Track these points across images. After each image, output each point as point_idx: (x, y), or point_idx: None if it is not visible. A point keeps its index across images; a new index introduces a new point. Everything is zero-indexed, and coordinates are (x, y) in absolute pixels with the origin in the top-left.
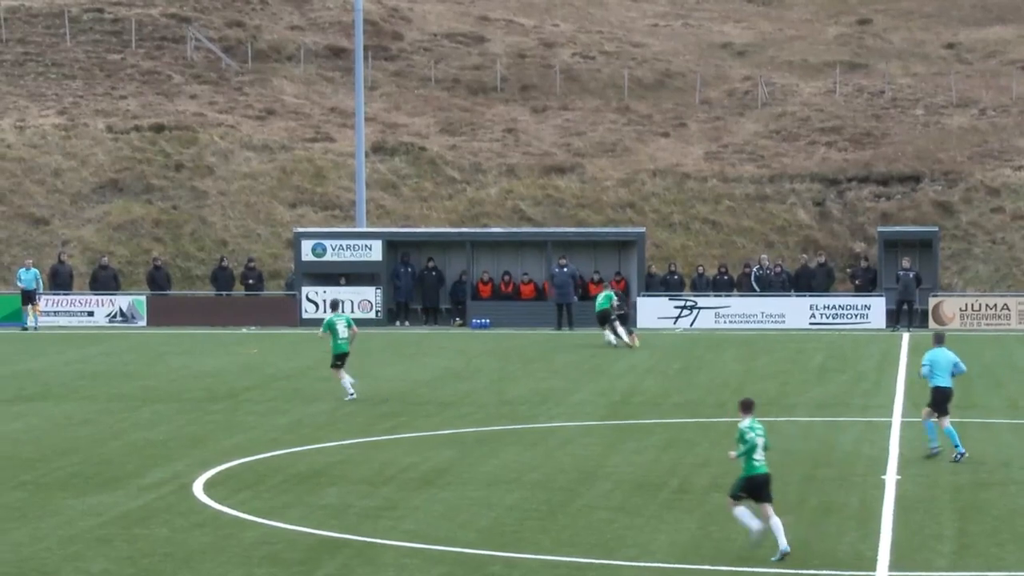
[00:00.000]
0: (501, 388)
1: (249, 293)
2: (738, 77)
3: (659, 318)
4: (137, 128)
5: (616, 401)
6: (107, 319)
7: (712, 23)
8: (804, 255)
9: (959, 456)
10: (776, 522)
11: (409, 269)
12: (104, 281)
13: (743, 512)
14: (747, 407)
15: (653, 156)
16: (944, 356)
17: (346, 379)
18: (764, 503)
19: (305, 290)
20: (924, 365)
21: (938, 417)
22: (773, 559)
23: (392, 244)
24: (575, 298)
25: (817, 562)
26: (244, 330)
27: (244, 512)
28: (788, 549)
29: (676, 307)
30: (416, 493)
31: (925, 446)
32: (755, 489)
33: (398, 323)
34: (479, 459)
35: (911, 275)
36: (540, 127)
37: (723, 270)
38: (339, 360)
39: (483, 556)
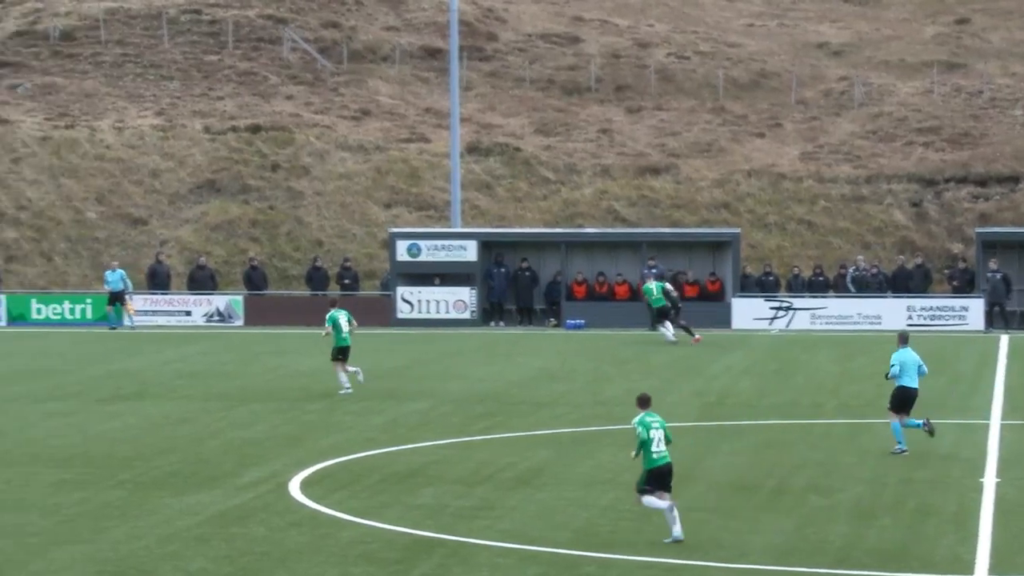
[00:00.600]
0: (596, 388)
1: (344, 293)
2: (834, 77)
3: (754, 319)
4: (234, 129)
5: (711, 402)
6: (204, 319)
7: (808, 23)
8: (901, 256)
9: (899, 451)
10: (674, 511)
11: (503, 269)
12: (201, 281)
13: (652, 500)
14: (643, 402)
15: (748, 156)
16: (912, 356)
17: (342, 375)
18: (664, 492)
19: (400, 290)
20: (893, 365)
21: (898, 415)
22: (666, 541)
23: (487, 244)
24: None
25: (915, 564)
26: None
27: (340, 511)
28: (681, 537)
29: (771, 308)
30: (511, 493)
31: (892, 448)
32: (658, 479)
33: (492, 323)
34: (574, 459)
35: (999, 276)
36: (635, 127)
37: (819, 271)
38: (341, 354)
39: (578, 556)
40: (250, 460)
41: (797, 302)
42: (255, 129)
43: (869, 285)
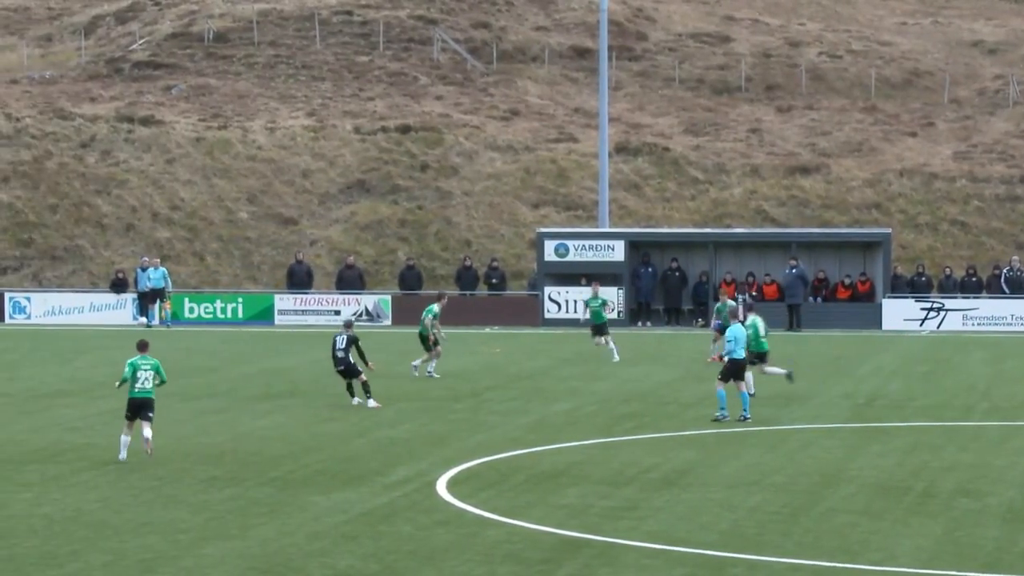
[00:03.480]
0: None
1: (492, 293)
2: (989, 76)
3: (904, 320)
4: (384, 129)
5: (860, 404)
6: (353, 318)
7: (962, 20)
8: None
9: (743, 417)
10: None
11: (650, 269)
12: (350, 280)
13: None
14: (140, 347)
15: (900, 156)
16: (742, 331)
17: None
18: (143, 421)
19: (548, 290)
20: (729, 341)
21: (735, 382)
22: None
23: (634, 244)
24: (803, 299)
25: None
26: (487, 330)
27: (486, 511)
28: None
29: (923, 309)
30: (657, 494)
31: (713, 413)
32: (135, 409)
33: (639, 323)
34: (721, 460)
35: None
36: (785, 127)
37: (971, 271)
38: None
39: (725, 558)
40: (397, 459)
41: (949, 303)
42: (405, 129)
43: (1023, 286)
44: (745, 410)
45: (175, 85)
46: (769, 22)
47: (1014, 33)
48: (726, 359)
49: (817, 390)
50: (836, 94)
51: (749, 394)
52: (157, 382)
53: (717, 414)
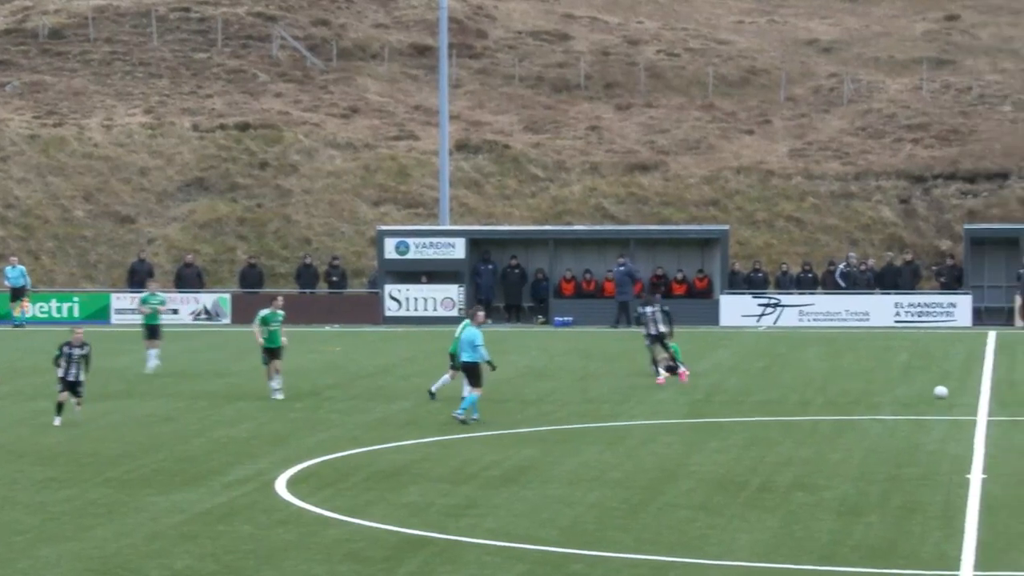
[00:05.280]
0: (583, 386)
1: (332, 291)
2: (824, 74)
3: (742, 316)
4: (222, 127)
5: (698, 399)
6: (191, 317)
7: (798, 19)
8: (889, 253)
9: (457, 416)
10: None
11: (491, 267)
12: (188, 279)
13: None
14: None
15: (737, 153)
16: (469, 333)
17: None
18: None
19: (388, 288)
20: (465, 341)
21: (468, 383)
22: None
23: (475, 242)
24: (631, 296)
25: (901, 561)
26: (327, 328)
27: (326, 510)
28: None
29: (760, 305)
30: (498, 491)
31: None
32: None
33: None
34: (561, 457)
35: None
36: (624, 124)
37: (807, 268)
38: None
39: (565, 554)
40: (236, 458)
41: (785, 299)
42: (244, 127)
43: (858, 282)
44: (461, 409)
45: (8, 82)
46: (608, 20)
47: (848, 32)
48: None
49: (655, 386)
50: (674, 92)
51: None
52: None
53: (456, 413)
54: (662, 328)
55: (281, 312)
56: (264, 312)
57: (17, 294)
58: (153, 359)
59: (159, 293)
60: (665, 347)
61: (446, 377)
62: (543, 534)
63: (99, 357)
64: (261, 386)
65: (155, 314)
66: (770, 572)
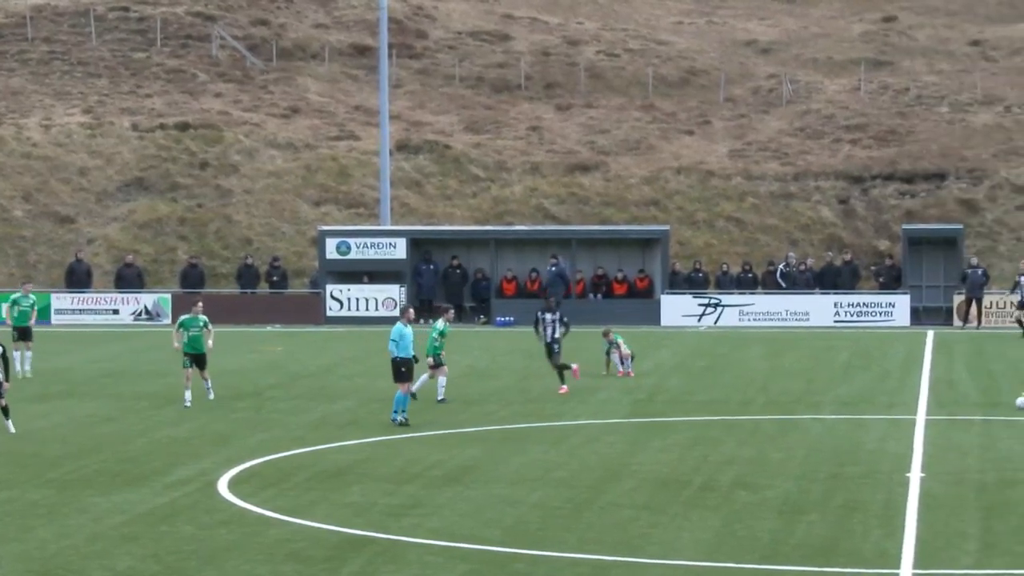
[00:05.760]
0: (526, 386)
1: (274, 291)
2: (763, 75)
3: (683, 316)
4: (162, 126)
5: (641, 399)
6: (132, 317)
7: (736, 20)
8: (829, 253)
9: (394, 419)
10: None
11: (432, 267)
12: (129, 279)
13: None
14: None
15: (677, 154)
16: (405, 332)
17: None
18: None
19: (329, 288)
20: (392, 340)
21: (403, 384)
22: None
23: (416, 242)
24: (562, 296)
25: (842, 560)
26: (269, 328)
27: (269, 510)
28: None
29: (700, 305)
30: (441, 491)
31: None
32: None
33: (422, 321)
34: (504, 457)
35: (979, 272)
36: (564, 125)
37: (747, 268)
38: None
39: (508, 554)
40: (178, 458)
41: (726, 299)
42: (183, 127)
43: (798, 282)
44: (395, 412)
45: None
46: (548, 20)
47: (787, 33)
48: (395, 358)
49: (598, 386)
50: (614, 92)
51: (411, 395)
52: None
53: (394, 418)
54: (556, 335)
55: (202, 317)
56: (184, 317)
57: None
58: (27, 362)
59: (31, 295)
60: (556, 353)
61: (424, 377)
62: (486, 534)
63: (40, 358)
64: (203, 386)
65: (26, 315)
66: (712, 571)
